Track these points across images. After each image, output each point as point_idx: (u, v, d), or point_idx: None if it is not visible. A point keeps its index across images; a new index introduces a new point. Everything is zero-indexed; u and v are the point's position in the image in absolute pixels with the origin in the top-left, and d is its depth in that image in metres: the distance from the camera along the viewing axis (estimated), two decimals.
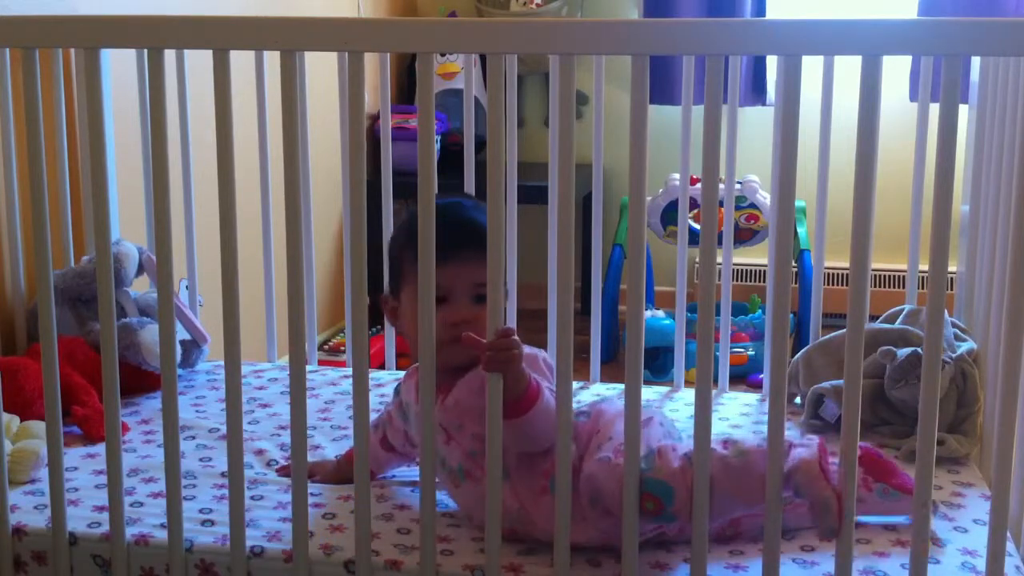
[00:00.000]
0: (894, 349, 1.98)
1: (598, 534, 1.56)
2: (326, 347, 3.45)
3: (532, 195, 2.98)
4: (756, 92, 3.96)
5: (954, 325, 2.11)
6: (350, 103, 1.53)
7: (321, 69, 2.55)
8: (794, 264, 3.63)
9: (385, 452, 1.82)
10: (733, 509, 1.53)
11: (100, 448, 1.91)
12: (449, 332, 1.57)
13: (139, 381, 2.18)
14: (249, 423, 2.08)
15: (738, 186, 3.55)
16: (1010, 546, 1.60)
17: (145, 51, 1.55)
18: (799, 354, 2.19)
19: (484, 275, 1.47)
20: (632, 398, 1.46)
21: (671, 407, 2.22)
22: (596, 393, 2.28)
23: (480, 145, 3.12)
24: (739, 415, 2.17)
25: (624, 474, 1.47)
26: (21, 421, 1.92)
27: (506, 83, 2.24)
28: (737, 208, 3.54)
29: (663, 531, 1.58)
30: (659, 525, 1.54)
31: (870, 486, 1.70)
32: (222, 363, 1.63)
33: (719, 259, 2.23)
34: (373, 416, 1.78)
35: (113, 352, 1.60)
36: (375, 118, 3.60)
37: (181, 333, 2.24)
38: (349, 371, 1.87)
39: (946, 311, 1.46)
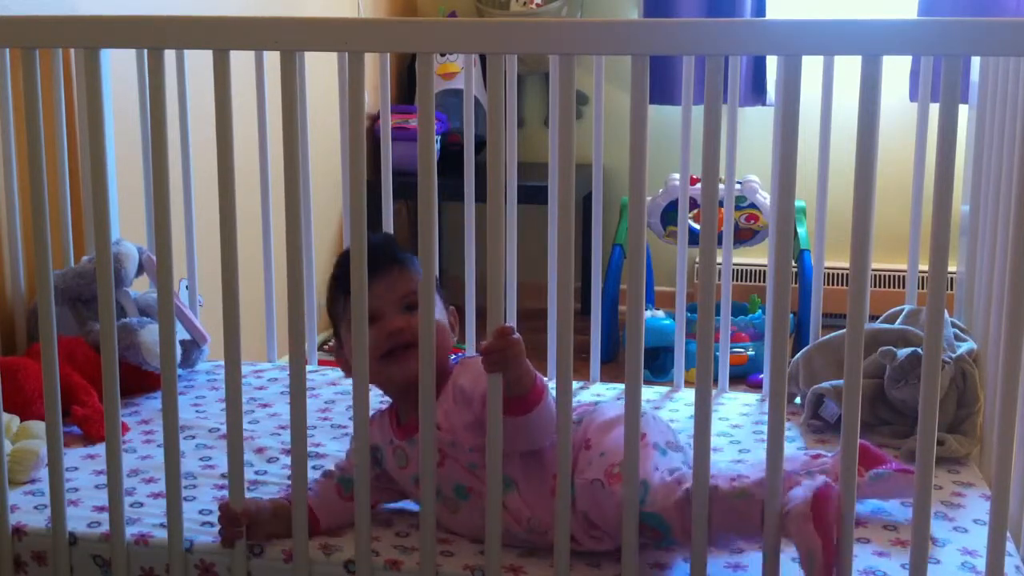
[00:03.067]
0: (894, 349, 1.98)
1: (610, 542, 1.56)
2: (326, 347, 3.45)
3: (532, 195, 2.97)
4: (756, 92, 3.96)
5: (954, 325, 2.11)
6: (350, 103, 1.53)
7: (321, 69, 2.55)
8: (794, 264, 3.63)
9: (345, 501, 1.64)
10: (732, 542, 1.54)
11: (100, 448, 1.91)
12: (387, 342, 1.61)
13: (139, 381, 2.18)
14: (249, 423, 2.08)
15: (738, 186, 3.54)
16: (1010, 546, 1.60)
17: (145, 51, 1.55)
18: (799, 354, 2.19)
19: (407, 287, 1.62)
20: (632, 398, 1.46)
21: (671, 407, 2.22)
22: (596, 393, 2.28)
23: (480, 145, 3.12)
24: (739, 415, 2.17)
25: (624, 485, 1.47)
26: (21, 421, 1.92)
27: (506, 83, 2.24)
28: (737, 208, 3.53)
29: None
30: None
31: (861, 474, 1.71)
32: (222, 363, 1.63)
33: (719, 259, 2.23)
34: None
35: (113, 352, 1.60)
36: (375, 118, 3.59)
37: (181, 333, 2.24)
38: None
39: (946, 311, 1.46)
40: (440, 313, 1.63)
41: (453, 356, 1.72)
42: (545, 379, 1.56)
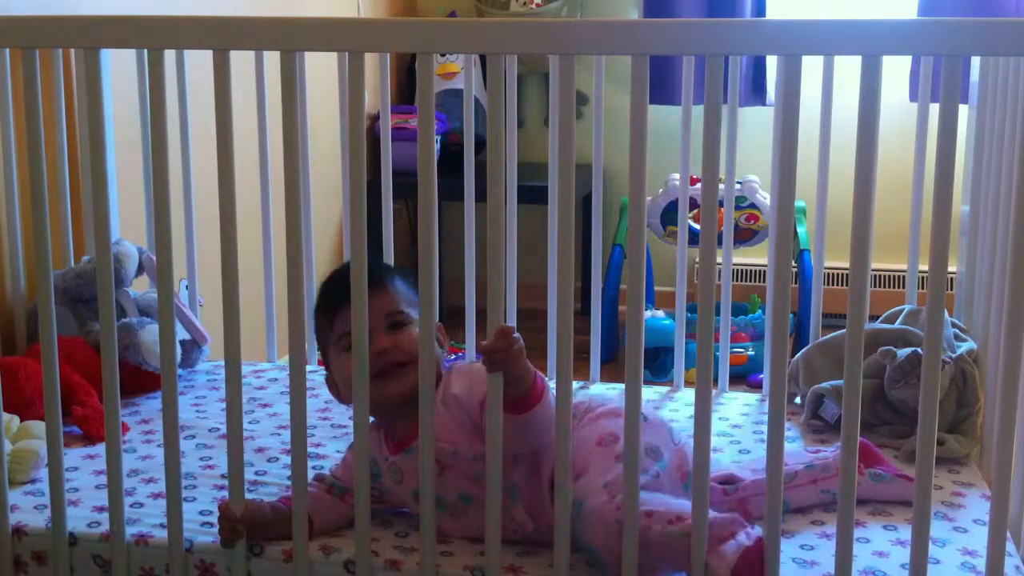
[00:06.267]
0: (894, 349, 1.98)
1: None
2: None
3: (532, 195, 2.97)
4: (756, 92, 3.96)
5: (954, 325, 2.11)
6: (350, 103, 1.53)
7: (321, 69, 2.55)
8: (794, 264, 3.63)
9: (337, 502, 1.66)
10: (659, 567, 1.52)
11: (100, 448, 1.91)
12: (375, 363, 1.59)
13: (139, 381, 2.18)
14: (249, 423, 2.07)
15: (738, 186, 3.54)
16: (1010, 546, 1.60)
17: (145, 51, 1.55)
18: (799, 354, 2.19)
19: (390, 305, 1.64)
20: (632, 398, 1.46)
21: (671, 407, 2.22)
22: (596, 393, 2.28)
23: (480, 145, 3.12)
24: (739, 415, 2.17)
25: (625, 482, 1.47)
26: (21, 421, 1.92)
27: (506, 83, 2.24)
28: (737, 208, 3.53)
29: None
30: None
31: (861, 471, 1.72)
32: (222, 363, 1.63)
33: (719, 259, 2.23)
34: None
35: (113, 352, 1.60)
36: (375, 118, 3.59)
37: (181, 333, 2.24)
38: None
39: (946, 311, 1.46)
40: None
41: (453, 356, 1.72)
42: (546, 378, 1.56)
